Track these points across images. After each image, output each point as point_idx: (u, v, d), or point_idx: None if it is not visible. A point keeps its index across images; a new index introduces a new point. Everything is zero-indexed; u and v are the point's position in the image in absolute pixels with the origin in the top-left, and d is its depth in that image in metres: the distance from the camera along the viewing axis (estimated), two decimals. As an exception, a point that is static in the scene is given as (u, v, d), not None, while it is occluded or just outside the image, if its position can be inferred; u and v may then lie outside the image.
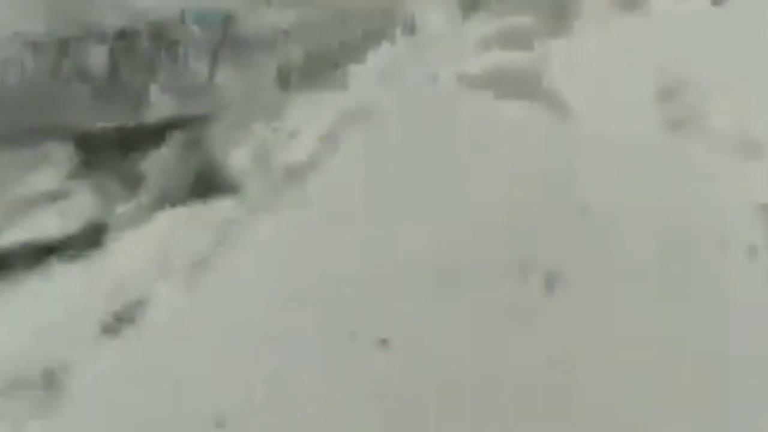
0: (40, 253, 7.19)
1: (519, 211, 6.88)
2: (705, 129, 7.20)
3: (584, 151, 7.44)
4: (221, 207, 6.44)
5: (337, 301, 5.34)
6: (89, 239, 7.99)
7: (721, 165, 6.53)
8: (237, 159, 7.35)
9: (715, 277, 5.59)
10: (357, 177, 7.33)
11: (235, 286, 5.36)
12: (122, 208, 6.99)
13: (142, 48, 13.74)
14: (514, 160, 7.45)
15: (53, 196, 8.82)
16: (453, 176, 7.65)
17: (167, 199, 7.84)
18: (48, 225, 6.88)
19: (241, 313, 5.45)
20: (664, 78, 8.21)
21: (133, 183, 10.81)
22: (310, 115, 8.17)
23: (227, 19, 14.97)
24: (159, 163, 8.99)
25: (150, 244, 6.29)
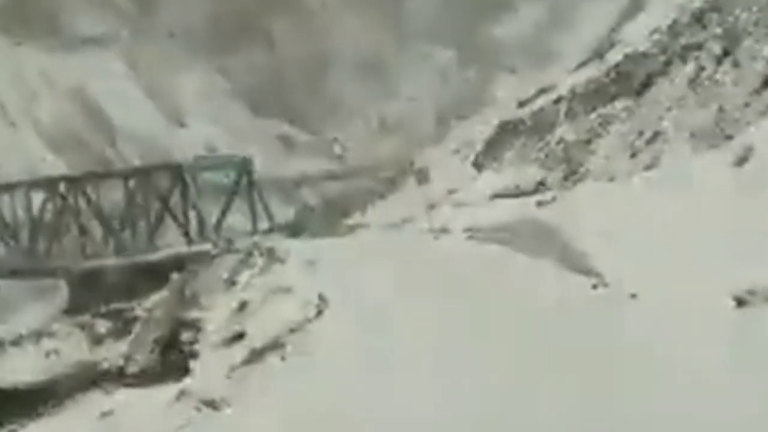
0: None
1: (525, 375, 6.99)
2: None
3: (625, 321, 7.49)
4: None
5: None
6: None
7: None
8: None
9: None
10: (349, 334, 8.08)
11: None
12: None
13: (157, 188, 15.70)
14: (523, 322, 7.62)
15: (39, 335, 9.85)
16: (457, 338, 7.97)
17: (149, 372, 8.70)
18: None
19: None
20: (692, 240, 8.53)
21: (122, 329, 12.17)
22: (304, 270, 8.90)
23: (246, 163, 17.77)
24: (156, 309, 9.99)
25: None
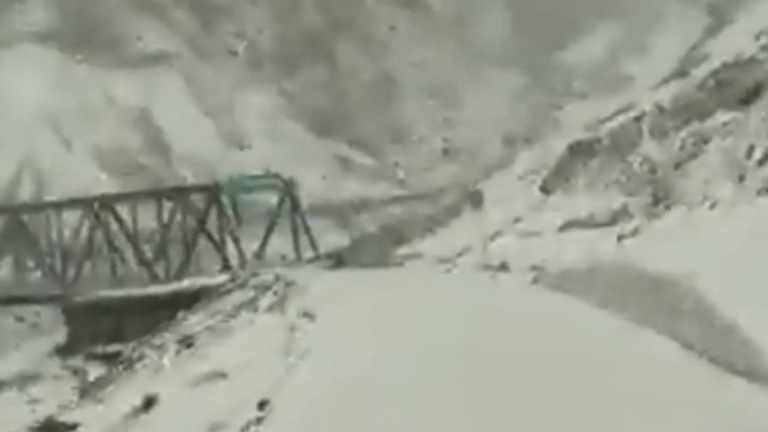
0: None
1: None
2: None
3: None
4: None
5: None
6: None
7: None
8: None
9: None
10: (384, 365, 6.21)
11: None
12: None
13: (193, 210, 21.89)
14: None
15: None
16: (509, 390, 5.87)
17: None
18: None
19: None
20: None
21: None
22: (341, 309, 6.95)
23: (289, 185, 22.75)
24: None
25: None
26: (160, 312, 19.66)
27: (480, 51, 67.07)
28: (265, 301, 13.29)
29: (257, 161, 56.72)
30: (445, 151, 61.57)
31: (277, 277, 16.72)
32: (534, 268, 15.41)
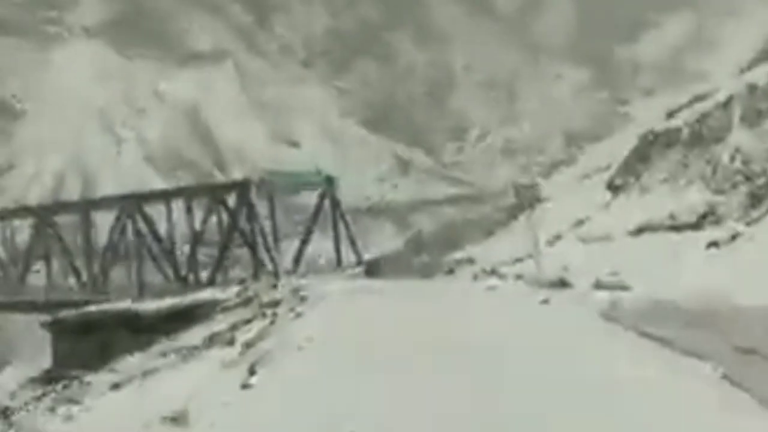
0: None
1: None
2: None
3: None
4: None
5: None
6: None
7: None
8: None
9: None
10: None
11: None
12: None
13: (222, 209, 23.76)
14: None
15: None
16: None
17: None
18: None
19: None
20: None
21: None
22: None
23: (329, 183, 20.37)
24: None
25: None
26: (155, 330, 16.68)
27: (542, 45, 63.44)
28: (243, 335, 10.24)
29: (309, 160, 53.65)
30: (505, 149, 58.00)
31: (295, 291, 13.76)
32: (599, 285, 11.59)
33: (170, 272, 26.50)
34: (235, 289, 17.62)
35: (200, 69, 58.66)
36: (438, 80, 60.89)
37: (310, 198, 28.24)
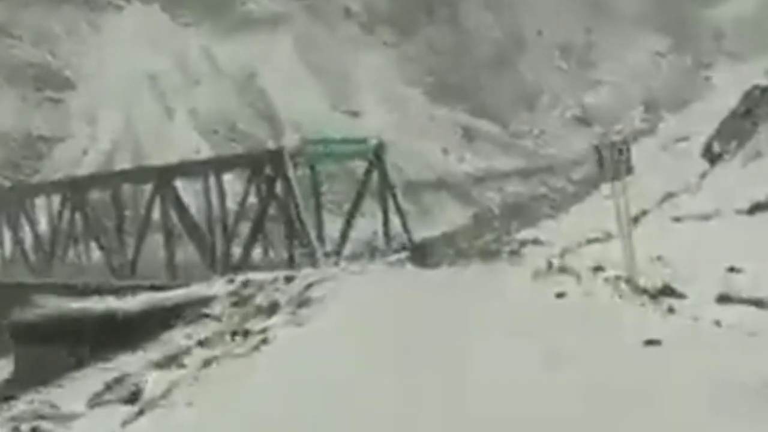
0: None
1: None
2: None
3: None
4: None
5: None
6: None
7: None
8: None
9: None
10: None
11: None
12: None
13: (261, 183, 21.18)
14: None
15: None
16: None
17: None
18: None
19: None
20: None
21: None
22: None
23: (378, 151, 18.65)
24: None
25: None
26: (137, 331, 13.82)
27: (618, 7, 59.31)
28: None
29: (370, 130, 50.42)
30: (580, 118, 54.11)
31: (308, 287, 10.88)
32: (727, 297, 7.89)
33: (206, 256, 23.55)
34: (227, 286, 14.52)
35: (256, 35, 55.70)
36: (507, 46, 57.15)
37: (360, 168, 25.11)
